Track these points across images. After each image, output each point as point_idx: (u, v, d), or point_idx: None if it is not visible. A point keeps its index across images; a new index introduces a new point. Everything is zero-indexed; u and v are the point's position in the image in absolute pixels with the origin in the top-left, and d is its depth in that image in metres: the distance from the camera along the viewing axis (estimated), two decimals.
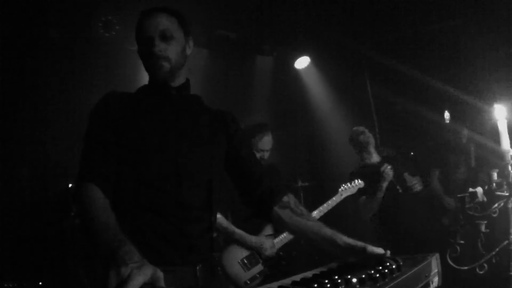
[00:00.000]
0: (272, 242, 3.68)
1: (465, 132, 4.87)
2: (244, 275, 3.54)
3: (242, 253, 3.64)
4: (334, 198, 3.98)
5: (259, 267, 3.63)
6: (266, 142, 3.89)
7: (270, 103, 6.54)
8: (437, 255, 1.47)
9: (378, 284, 1.16)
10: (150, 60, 1.76)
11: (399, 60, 5.33)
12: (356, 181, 4.14)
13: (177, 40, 1.80)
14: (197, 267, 1.68)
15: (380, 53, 5.38)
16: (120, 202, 1.64)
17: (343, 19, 5.23)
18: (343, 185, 4.09)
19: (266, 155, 3.93)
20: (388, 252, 1.49)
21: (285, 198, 1.85)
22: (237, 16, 5.30)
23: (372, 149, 4.53)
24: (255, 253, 3.64)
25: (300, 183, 5.02)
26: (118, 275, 1.20)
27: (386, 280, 1.19)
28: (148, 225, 1.63)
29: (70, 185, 3.96)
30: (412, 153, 5.36)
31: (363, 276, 1.17)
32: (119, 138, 1.70)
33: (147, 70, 1.81)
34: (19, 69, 4.22)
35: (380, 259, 1.42)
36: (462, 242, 2.41)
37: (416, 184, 4.37)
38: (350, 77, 5.89)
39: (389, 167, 4.13)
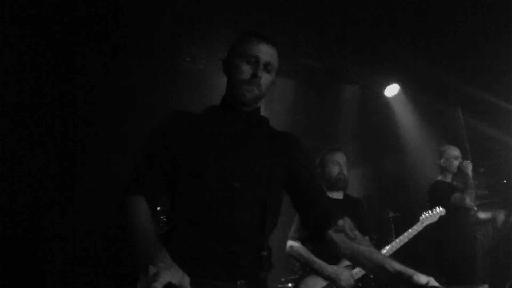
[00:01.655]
0: (350, 273, 3.55)
1: None
2: None
3: (319, 283, 3.56)
4: (415, 227, 3.91)
5: None
6: (339, 156, 3.92)
7: (359, 132, 6.43)
8: (486, 286, 1.37)
9: None
10: (245, 82, 1.79)
11: (489, 90, 5.10)
12: (437, 208, 4.04)
13: (272, 74, 1.86)
14: (238, 282, 1.68)
15: (469, 81, 5.16)
16: (172, 217, 1.74)
17: (431, 46, 5.05)
18: (424, 213, 4.02)
19: (345, 169, 3.89)
20: (432, 280, 1.47)
21: (341, 222, 1.82)
22: (322, 45, 5.29)
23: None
24: (332, 285, 3.54)
25: (391, 214, 4.97)
26: (147, 274, 1.28)
27: None
28: (195, 240, 1.67)
29: None
30: None
31: None
32: (177, 156, 1.75)
33: (233, 88, 1.83)
34: (110, 100, 4.50)
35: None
36: None
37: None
38: (441, 105, 5.65)
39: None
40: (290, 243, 3.77)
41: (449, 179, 4.59)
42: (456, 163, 4.50)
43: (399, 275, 1.57)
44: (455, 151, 4.58)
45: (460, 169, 4.50)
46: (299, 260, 3.65)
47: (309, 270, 3.64)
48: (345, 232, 1.79)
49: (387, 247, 3.82)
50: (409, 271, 1.55)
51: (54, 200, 4.16)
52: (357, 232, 1.79)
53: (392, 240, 3.91)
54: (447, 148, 4.62)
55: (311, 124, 6.18)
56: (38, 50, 4.09)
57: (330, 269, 3.55)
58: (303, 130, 5.91)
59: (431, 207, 4.13)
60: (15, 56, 3.92)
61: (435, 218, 4.00)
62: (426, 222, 3.97)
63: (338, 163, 3.88)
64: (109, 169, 4.20)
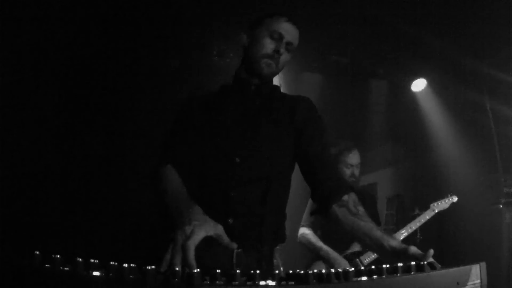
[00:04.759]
0: (356, 262, 3.65)
1: None
2: None
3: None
4: (426, 216, 3.97)
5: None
6: (353, 157, 3.95)
7: (387, 129, 6.38)
8: (483, 264, 1.24)
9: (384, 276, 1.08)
10: (267, 56, 1.87)
11: None
12: (449, 196, 4.05)
13: (291, 54, 1.94)
14: (235, 251, 1.71)
15: (500, 71, 5.05)
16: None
17: (459, 37, 4.98)
18: (435, 201, 4.06)
19: (357, 171, 3.95)
20: (431, 252, 1.43)
21: (345, 197, 1.81)
22: (350, 41, 5.29)
23: None
24: None
25: (417, 211, 4.94)
26: (183, 233, 1.35)
27: (398, 274, 1.10)
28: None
29: None
30: None
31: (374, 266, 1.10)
32: (196, 134, 1.87)
33: (252, 61, 1.91)
34: (139, 97, 4.63)
35: (420, 260, 1.37)
36: None
37: None
38: (470, 100, 5.56)
39: None
40: (302, 230, 3.88)
41: None
42: None
43: (394, 250, 1.56)
44: None
45: None
46: (308, 247, 3.75)
47: (316, 256, 3.73)
48: (347, 206, 1.79)
49: (398, 233, 3.88)
50: (404, 246, 1.54)
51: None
52: (360, 207, 1.79)
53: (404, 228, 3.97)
54: None
55: (338, 120, 6.18)
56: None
57: (337, 257, 3.62)
58: (330, 127, 5.93)
59: None
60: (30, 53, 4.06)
61: (447, 205, 4.03)
62: (438, 209, 4.00)
63: (351, 165, 3.93)
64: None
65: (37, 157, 4.02)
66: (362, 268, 1.16)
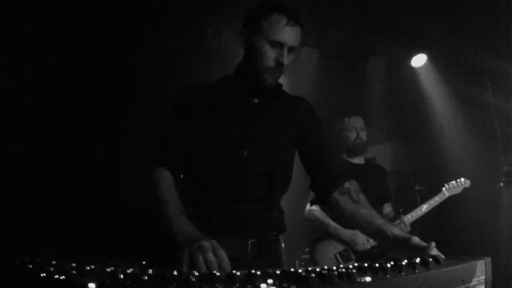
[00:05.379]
0: (366, 237, 3.57)
1: None
2: None
3: (336, 248, 3.60)
4: (437, 198, 3.93)
5: (350, 264, 3.56)
6: (356, 120, 3.98)
7: (386, 104, 6.33)
8: (488, 259, 1.23)
9: (388, 275, 1.05)
10: (270, 69, 1.78)
11: None
12: (461, 180, 4.00)
13: (294, 53, 1.84)
14: (249, 242, 1.75)
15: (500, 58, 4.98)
16: (186, 182, 1.82)
17: (459, 15, 4.88)
18: (447, 184, 3.99)
19: (362, 134, 3.95)
20: (433, 245, 1.42)
21: (347, 184, 1.83)
22: (348, 16, 5.19)
23: None
24: (349, 249, 3.58)
25: (417, 187, 4.94)
26: (206, 242, 1.33)
27: (403, 273, 1.07)
28: (205, 200, 1.77)
29: None
30: None
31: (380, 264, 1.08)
32: (194, 128, 1.82)
33: (255, 72, 1.82)
34: (134, 78, 4.52)
35: (422, 253, 1.36)
36: None
37: None
38: (470, 77, 5.49)
39: None
40: (309, 206, 3.82)
41: None
42: None
43: (397, 239, 1.56)
44: None
45: None
46: (315, 223, 3.69)
47: (325, 233, 3.68)
48: (349, 194, 1.80)
49: (408, 215, 3.84)
50: (406, 235, 1.54)
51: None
52: (361, 195, 1.81)
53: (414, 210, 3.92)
54: None
55: (336, 96, 6.12)
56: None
57: (346, 232, 3.58)
58: (327, 102, 5.87)
59: None
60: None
61: (459, 190, 3.98)
62: (449, 193, 3.95)
63: (354, 127, 3.94)
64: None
65: (35, 152, 3.97)
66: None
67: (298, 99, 2.02)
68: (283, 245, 2.05)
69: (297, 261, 4.99)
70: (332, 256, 3.59)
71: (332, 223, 3.61)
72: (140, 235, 3.75)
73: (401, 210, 4.34)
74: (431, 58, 5.82)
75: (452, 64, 5.64)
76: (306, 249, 4.72)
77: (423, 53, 5.80)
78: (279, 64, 1.77)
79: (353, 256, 3.59)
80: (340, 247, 3.62)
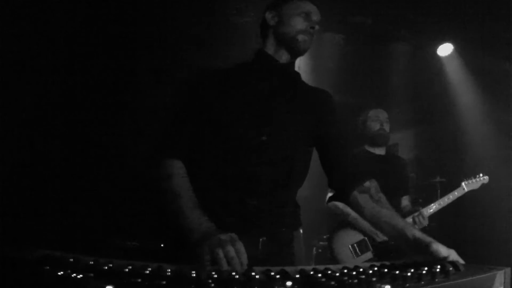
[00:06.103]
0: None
1: None
2: (352, 262, 3.47)
3: (354, 237, 3.61)
4: (456, 193, 3.89)
5: (368, 255, 3.59)
6: (380, 112, 3.98)
7: (410, 93, 6.25)
8: (508, 270, 1.23)
9: (407, 284, 1.05)
10: (302, 31, 1.85)
11: None
12: (480, 175, 3.96)
13: (315, 36, 1.92)
14: (260, 239, 1.70)
15: None
16: (195, 172, 1.73)
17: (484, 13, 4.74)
18: (466, 179, 3.95)
19: (386, 125, 3.94)
20: (453, 253, 1.41)
21: (367, 184, 1.80)
22: (374, 2, 5.09)
23: None
24: (367, 241, 3.58)
25: (438, 179, 4.91)
26: (224, 236, 1.35)
27: (422, 282, 1.07)
28: (214, 193, 1.71)
29: None
30: None
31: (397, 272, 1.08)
32: (207, 114, 1.77)
33: (286, 38, 1.87)
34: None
35: (442, 260, 1.35)
36: None
37: None
38: (497, 65, 5.37)
39: None
40: (330, 194, 3.81)
41: None
42: None
43: (418, 242, 1.53)
44: None
45: None
46: (335, 211, 3.68)
47: (345, 222, 3.68)
48: (370, 193, 1.78)
49: (428, 209, 3.82)
50: (428, 239, 1.51)
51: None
52: (381, 195, 1.78)
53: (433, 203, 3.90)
54: None
55: (360, 83, 6.06)
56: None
57: (365, 222, 3.58)
58: (351, 89, 5.81)
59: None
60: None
61: (477, 185, 3.94)
62: (468, 188, 3.93)
63: (378, 118, 3.94)
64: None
65: (35, 149, 4.01)
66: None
67: (318, 91, 2.01)
68: (301, 231, 2.03)
69: (314, 248, 5.04)
70: (350, 246, 3.61)
71: (353, 213, 3.60)
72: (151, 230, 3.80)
73: (420, 200, 4.32)
74: (457, 47, 5.71)
75: (479, 53, 5.52)
76: (324, 237, 4.74)
77: (449, 42, 5.68)
78: (311, 26, 1.85)
79: (370, 247, 3.60)
80: (358, 237, 3.63)
